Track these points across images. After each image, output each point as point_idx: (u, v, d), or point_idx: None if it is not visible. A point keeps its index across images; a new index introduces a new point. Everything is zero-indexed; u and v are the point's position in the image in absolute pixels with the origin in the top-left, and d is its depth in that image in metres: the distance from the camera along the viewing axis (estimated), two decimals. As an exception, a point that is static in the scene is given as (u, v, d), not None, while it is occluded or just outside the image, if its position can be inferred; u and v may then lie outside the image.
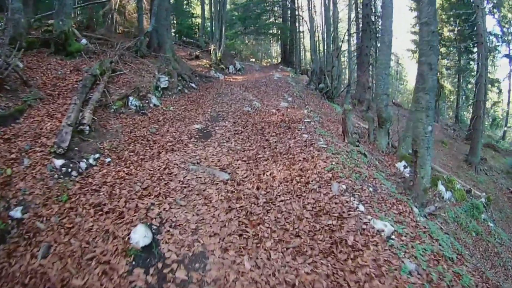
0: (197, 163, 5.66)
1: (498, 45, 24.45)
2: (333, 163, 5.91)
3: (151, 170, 5.44)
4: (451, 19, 24.37)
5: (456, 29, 24.56)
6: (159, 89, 10.03)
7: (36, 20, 10.47)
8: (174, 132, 7.28)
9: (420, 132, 6.49)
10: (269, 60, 46.94)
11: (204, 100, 10.66)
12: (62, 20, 9.02)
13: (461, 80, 26.64)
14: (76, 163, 5.51)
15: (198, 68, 16.57)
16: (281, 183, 5.32)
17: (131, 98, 8.27)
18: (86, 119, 6.33)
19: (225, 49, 21.99)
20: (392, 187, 6.06)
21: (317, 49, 23.59)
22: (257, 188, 5.10)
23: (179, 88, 11.18)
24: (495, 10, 22.42)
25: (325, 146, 6.83)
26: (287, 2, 30.16)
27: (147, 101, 8.80)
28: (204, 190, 4.86)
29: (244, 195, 4.87)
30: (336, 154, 6.47)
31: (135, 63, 10.63)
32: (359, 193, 5.11)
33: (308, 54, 41.38)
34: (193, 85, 12.50)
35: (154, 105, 8.92)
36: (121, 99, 8.09)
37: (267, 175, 5.54)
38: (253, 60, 38.29)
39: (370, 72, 22.51)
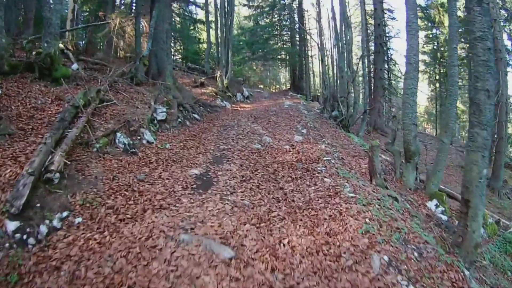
0: (191, 229, 4.22)
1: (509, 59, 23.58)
2: (367, 220, 4.63)
3: (130, 239, 4.07)
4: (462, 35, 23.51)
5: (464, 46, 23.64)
6: (155, 121, 8.75)
7: (30, 42, 9.39)
8: (167, 179, 5.92)
9: (474, 178, 5.13)
10: (278, 86, 46.19)
11: (207, 135, 9.37)
12: (47, 41, 7.86)
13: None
14: (35, 227, 4.17)
15: (203, 96, 15.39)
16: (303, 257, 3.93)
17: (119, 134, 7.00)
18: (55, 165, 4.98)
19: (232, 75, 20.96)
20: (438, 247, 4.68)
21: (328, 74, 22.53)
22: (272, 270, 3.68)
23: (179, 120, 9.91)
24: (505, 24, 21.43)
25: (353, 194, 5.49)
26: (295, 26, 29.29)
27: (139, 137, 7.51)
28: (198, 278, 3.44)
29: (254, 285, 3.45)
30: (368, 205, 5.16)
31: (128, 92, 9.42)
32: (405, 266, 3.83)
33: (317, 79, 40.61)
34: (196, 116, 11.25)
35: (148, 141, 7.61)
36: (107, 135, 6.83)
37: (284, 246, 4.13)
38: (262, 86, 37.48)
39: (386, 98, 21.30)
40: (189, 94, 13.18)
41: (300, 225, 4.62)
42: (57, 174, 4.98)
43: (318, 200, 5.26)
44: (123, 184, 5.52)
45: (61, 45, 11.16)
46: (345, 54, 16.07)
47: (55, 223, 4.38)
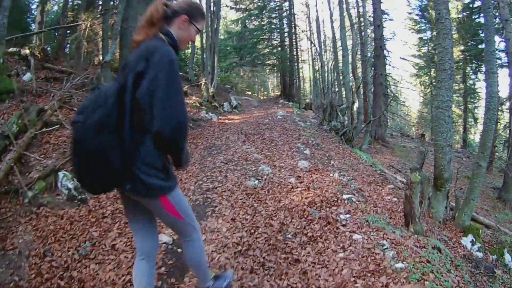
0: None
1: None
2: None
3: None
4: (464, 38, 22.35)
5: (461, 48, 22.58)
6: None
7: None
8: (123, 252, 3.81)
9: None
10: (266, 93, 44.89)
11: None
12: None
13: (468, 103, 25.25)
14: None
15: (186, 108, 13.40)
16: None
17: (61, 174, 4.99)
18: None
19: (219, 82, 19.11)
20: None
21: (323, 80, 20.95)
22: None
23: (153, 143, 7.95)
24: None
25: (401, 264, 3.61)
26: (286, 29, 27.72)
27: None
28: None
29: None
30: (422, 280, 3.38)
31: None
32: None
33: (308, 86, 39.09)
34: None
35: None
36: (45, 176, 4.87)
37: None
38: (249, 93, 36.06)
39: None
40: (168, 108, 11.18)
41: None
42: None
43: (355, 283, 3.35)
44: (58, 265, 3.54)
45: (26, 51, 9.55)
46: (348, 58, 14.27)
47: None
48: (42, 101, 6.79)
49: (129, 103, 2.01)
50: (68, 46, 15.64)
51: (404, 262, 3.66)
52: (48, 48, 14.73)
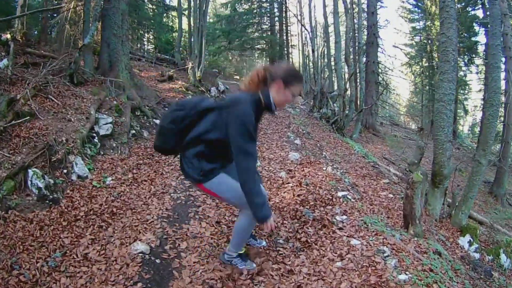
0: None
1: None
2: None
3: None
4: (459, 30, 22.10)
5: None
6: (96, 139, 6.09)
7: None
8: (96, 263, 3.27)
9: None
10: (254, 78, 44.45)
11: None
12: None
13: (459, 94, 24.65)
14: None
15: (170, 93, 12.68)
16: None
17: (31, 172, 4.43)
18: None
19: (206, 66, 18.47)
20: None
21: (314, 67, 20.49)
22: None
23: (133, 131, 7.25)
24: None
25: (403, 275, 3.22)
26: (275, 13, 27.11)
27: (65, 171, 4.90)
28: None
29: None
30: (425, 286, 3.12)
31: (63, 96, 6.69)
32: None
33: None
34: (158, 122, 8.68)
35: (79, 176, 4.98)
36: (14, 175, 4.28)
37: None
38: (238, 78, 35.54)
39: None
40: (151, 93, 10.50)
41: None
42: None
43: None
44: (26, 280, 3.02)
45: (7, 36, 9.05)
46: (341, 45, 13.74)
47: None
48: (15, 90, 6.14)
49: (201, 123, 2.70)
50: (52, 30, 14.90)
51: (407, 273, 3.28)
52: (35, 32, 14.00)
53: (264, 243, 3.72)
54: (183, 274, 3.19)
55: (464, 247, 5.85)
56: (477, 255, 5.69)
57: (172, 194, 4.91)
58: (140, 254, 3.39)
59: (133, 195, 4.88)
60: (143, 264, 3.28)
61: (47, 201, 4.32)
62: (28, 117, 5.44)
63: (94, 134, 6.20)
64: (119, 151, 6.38)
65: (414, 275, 3.26)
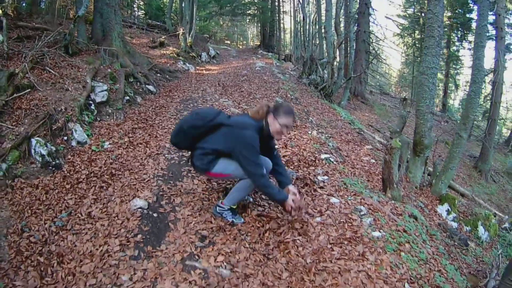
0: None
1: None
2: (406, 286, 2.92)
3: None
4: (453, 6, 22.10)
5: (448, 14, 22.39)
6: (93, 106, 6.34)
7: None
8: (99, 220, 3.64)
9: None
10: (245, 42, 43.83)
11: (162, 118, 7.01)
12: None
13: (450, 68, 25.76)
14: None
15: (162, 59, 12.79)
16: None
17: (34, 141, 4.68)
18: None
19: (197, 32, 18.37)
20: None
21: (302, 32, 20.45)
22: None
23: (127, 97, 7.46)
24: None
25: (377, 232, 3.61)
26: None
27: (66, 138, 5.17)
28: None
29: None
30: (398, 250, 3.43)
31: (59, 67, 6.82)
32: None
33: (288, 37, 38.27)
34: (150, 87, 8.84)
35: (79, 142, 5.28)
36: (18, 145, 4.53)
37: None
38: (228, 42, 35.13)
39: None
40: (143, 60, 10.61)
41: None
42: None
43: (332, 250, 3.30)
44: (36, 240, 3.36)
45: None
46: (332, 12, 13.78)
47: None
48: (13, 64, 6.24)
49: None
50: (42, 1, 14.58)
51: (381, 231, 3.65)
52: (24, 5, 13.68)
53: (250, 198, 4.13)
54: (178, 225, 3.58)
55: (442, 215, 6.11)
56: (454, 224, 5.93)
57: (166, 155, 5.24)
58: (139, 210, 3.77)
59: (130, 157, 5.21)
60: (142, 218, 3.66)
61: (50, 167, 4.62)
62: (28, 90, 5.62)
63: (91, 102, 6.43)
64: (114, 117, 6.65)
65: (387, 233, 3.63)
